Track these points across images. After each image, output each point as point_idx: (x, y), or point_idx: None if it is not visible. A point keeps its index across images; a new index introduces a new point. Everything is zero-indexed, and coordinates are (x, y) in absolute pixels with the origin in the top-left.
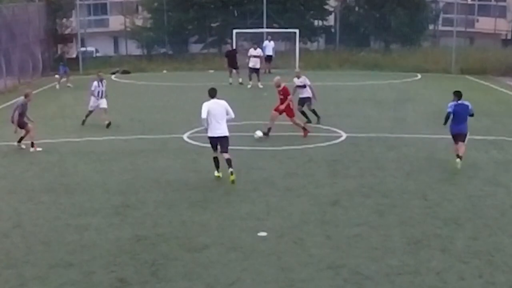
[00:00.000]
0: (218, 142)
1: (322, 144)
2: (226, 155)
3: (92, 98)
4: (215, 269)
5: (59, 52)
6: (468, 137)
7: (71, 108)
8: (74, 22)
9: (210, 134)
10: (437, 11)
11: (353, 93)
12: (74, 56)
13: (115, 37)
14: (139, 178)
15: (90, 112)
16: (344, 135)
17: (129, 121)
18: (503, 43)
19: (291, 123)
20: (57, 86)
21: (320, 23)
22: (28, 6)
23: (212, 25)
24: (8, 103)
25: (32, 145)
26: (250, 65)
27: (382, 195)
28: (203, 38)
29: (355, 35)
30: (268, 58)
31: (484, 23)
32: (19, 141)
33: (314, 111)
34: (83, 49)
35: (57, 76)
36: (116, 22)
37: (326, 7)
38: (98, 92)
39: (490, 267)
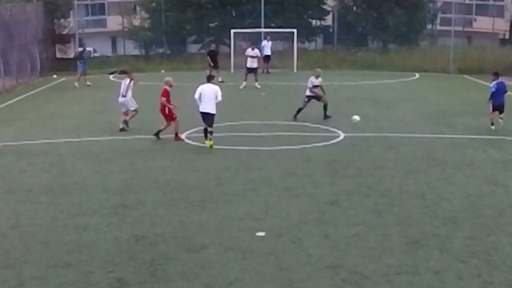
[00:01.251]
0: (205, 117)
1: (320, 144)
2: (209, 128)
3: (132, 99)
4: (213, 269)
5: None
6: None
7: (70, 108)
8: (72, 22)
9: (200, 109)
10: (435, 11)
11: (351, 92)
12: (72, 56)
13: (113, 37)
14: (137, 178)
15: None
16: (342, 135)
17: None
18: (501, 42)
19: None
20: (76, 84)
21: (318, 23)
22: (26, 6)
23: (210, 25)
24: (6, 104)
25: None
26: (248, 65)
27: (380, 194)
28: (201, 38)
29: (353, 35)
30: (267, 58)
31: (482, 23)
32: None
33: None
34: (81, 49)
35: (84, 75)
36: (114, 22)
37: (324, 6)
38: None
39: (488, 266)
